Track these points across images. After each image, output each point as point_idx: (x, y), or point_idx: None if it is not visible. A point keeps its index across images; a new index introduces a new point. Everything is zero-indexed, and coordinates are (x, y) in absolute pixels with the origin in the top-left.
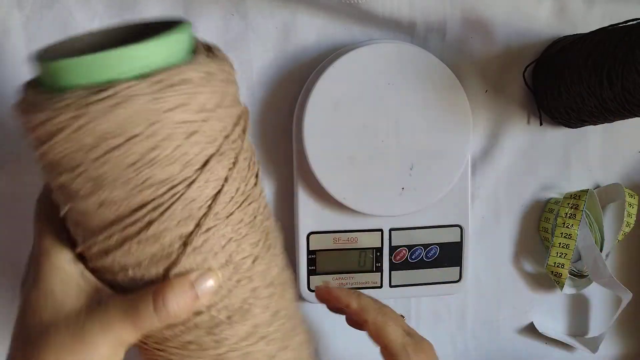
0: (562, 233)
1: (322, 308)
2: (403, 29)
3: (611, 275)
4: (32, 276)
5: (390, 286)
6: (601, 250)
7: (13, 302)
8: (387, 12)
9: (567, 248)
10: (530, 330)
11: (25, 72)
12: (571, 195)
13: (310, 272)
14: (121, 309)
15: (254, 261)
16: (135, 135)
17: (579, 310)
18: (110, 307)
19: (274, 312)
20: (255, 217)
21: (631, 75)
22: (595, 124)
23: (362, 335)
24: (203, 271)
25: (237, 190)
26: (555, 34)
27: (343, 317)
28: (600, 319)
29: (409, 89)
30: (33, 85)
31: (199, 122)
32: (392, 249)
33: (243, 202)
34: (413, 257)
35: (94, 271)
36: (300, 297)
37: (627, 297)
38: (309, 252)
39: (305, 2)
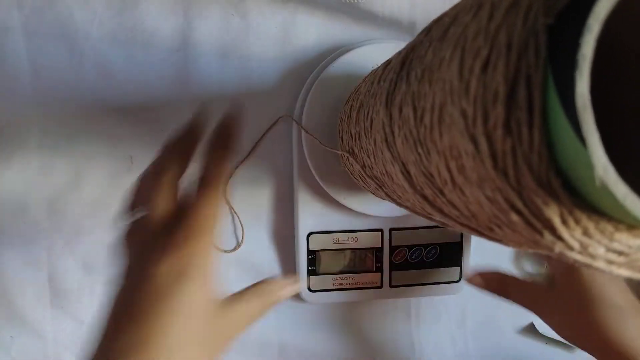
0: None
1: (322, 308)
2: (403, 29)
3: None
4: None
5: (391, 286)
6: None
7: None
8: (387, 12)
9: None
10: (530, 330)
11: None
12: None
13: (310, 272)
14: None
15: None
16: None
17: None
18: None
19: None
20: None
21: None
22: None
23: (361, 335)
24: None
25: None
26: None
27: (343, 317)
28: None
29: None
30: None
31: None
32: (393, 249)
33: None
34: (413, 257)
35: None
36: (300, 297)
37: None
38: (309, 252)
39: (305, 2)
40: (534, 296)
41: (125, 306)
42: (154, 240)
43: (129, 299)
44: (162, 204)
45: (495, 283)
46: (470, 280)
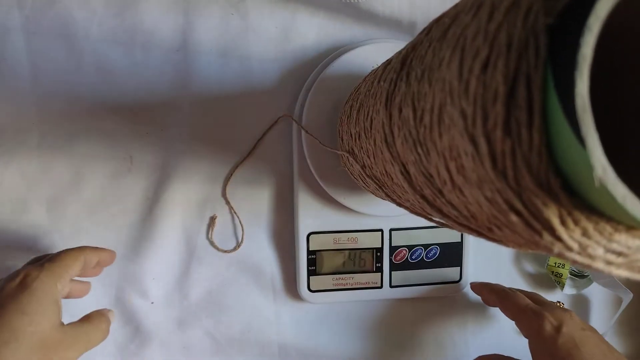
0: None
1: (322, 308)
2: (403, 29)
3: (612, 275)
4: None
5: (391, 286)
6: None
7: None
8: (387, 11)
9: None
10: None
11: (25, 71)
12: None
13: (310, 272)
14: None
15: None
16: None
17: (579, 310)
18: None
19: None
20: None
21: None
22: None
23: (361, 335)
24: None
25: None
26: None
27: (342, 317)
28: (600, 319)
29: None
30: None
31: None
32: (393, 249)
33: None
34: (413, 257)
35: None
36: (300, 298)
37: (627, 297)
38: (309, 252)
39: (305, 2)
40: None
41: None
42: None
43: None
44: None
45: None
46: (474, 288)
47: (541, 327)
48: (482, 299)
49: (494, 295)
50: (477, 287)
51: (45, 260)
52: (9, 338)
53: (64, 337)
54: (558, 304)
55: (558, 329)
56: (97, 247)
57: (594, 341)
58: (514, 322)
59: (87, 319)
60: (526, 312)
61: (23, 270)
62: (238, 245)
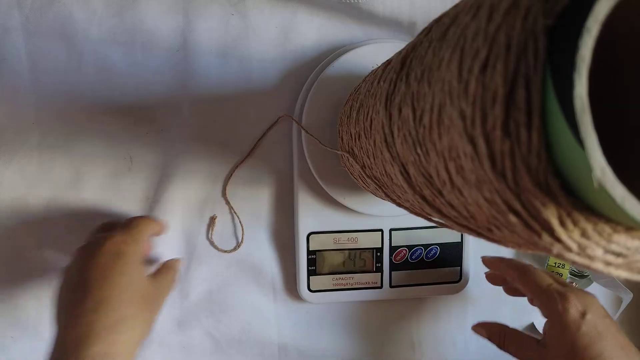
0: None
1: (322, 308)
2: (403, 29)
3: (611, 276)
4: None
5: (391, 286)
6: None
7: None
8: (387, 12)
9: None
10: (530, 330)
11: (25, 71)
12: None
13: (310, 272)
14: None
15: None
16: None
17: None
18: None
19: None
20: None
21: None
22: None
23: (361, 335)
24: None
25: None
26: None
27: (343, 317)
28: None
29: None
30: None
31: None
32: (393, 249)
33: None
34: (413, 257)
35: None
36: (300, 298)
37: (627, 297)
38: (309, 252)
39: (305, 2)
40: (529, 353)
41: (80, 281)
42: (96, 237)
43: (82, 276)
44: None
45: (497, 335)
46: (475, 329)
47: (566, 311)
48: (489, 278)
49: (513, 270)
50: (492, 262)
51: (125, 228)
52: (117, 293)
53: (152, 288)
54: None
55: (583, 314)
56: (156, 219)
57: (613, 332)
58: (532, 301)
59: (163, 270)
60: (549, 291)
61: (110, 238)
62: (238, 245)
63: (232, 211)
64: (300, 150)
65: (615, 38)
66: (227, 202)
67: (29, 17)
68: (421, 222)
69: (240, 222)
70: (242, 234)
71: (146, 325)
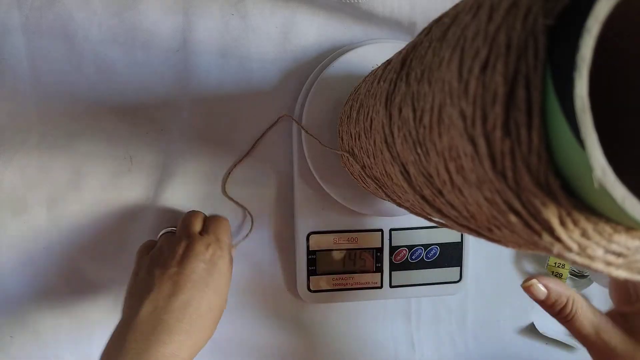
0: None
1: (322, 308)
2: (403, 29)
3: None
4: None
5: (391, 286)
6: None
7: None
8: (387, 12)
9: None
10: (530, 330)
11: (25, 71)
12: None
13: (310, 272)
14: None
15: None
16: None
17: None
18: None
19: None
20: None
21: None
22: None
23: (361, 335)
24: None
25: None
26: None
27: (343, 317)
28: None
29: None
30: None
31: None
32: (393, 249)
33: None
34: (413, 257)
35: None
36: (300, 298)
37: None
38: (309, 252)
39: (305, 2)
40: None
41: (177, 276)
42: (196, 239)
43: (182, 273)
44: (196, 225)
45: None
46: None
47: None
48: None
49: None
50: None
51: (213, 235)
52: (207, 309)
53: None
54: None
55: None
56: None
57: None
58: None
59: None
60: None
61: (222, 258)
62: (248, 234)
63: (238, 204)
64: (300, 150)
65: (615, 38)
66: (230, 198)
67: (29, 17)
68: (421, 222)
69: (249, 212)
70: (252, 225)
71: (210, 334)
